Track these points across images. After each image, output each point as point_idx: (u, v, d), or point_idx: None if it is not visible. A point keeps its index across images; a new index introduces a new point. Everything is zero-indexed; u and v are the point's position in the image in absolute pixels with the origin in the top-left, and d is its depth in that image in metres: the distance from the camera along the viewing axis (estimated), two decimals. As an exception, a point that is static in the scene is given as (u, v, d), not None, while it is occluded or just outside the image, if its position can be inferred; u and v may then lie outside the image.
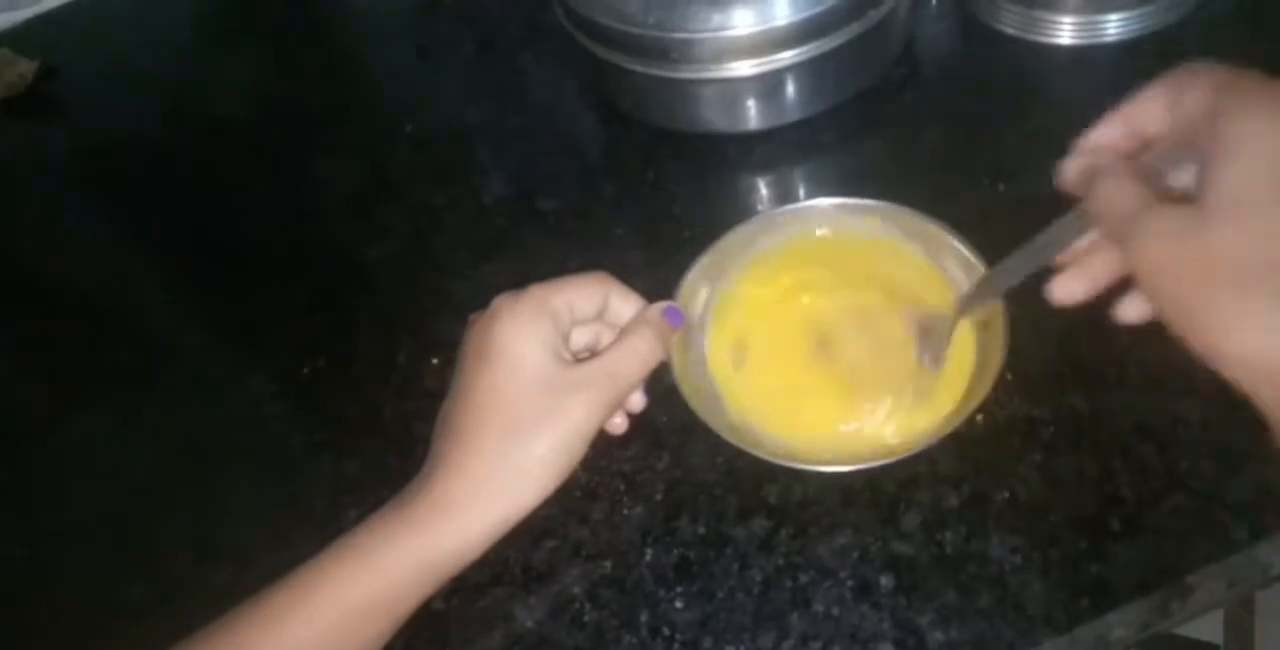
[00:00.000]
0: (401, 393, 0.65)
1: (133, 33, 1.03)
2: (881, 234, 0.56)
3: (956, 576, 0.51)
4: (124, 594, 0.60)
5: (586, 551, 0.56)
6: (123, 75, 0.98)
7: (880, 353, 0.55)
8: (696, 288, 0.55)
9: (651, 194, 0.73)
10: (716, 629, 0.52)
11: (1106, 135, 0.40)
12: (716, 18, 0.64)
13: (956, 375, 0.53)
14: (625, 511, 0.57)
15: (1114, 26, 0.71)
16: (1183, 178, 0.37)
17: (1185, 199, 0.35)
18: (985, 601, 0.50)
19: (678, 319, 0.50)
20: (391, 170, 0.82)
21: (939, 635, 0.50)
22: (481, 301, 0.47)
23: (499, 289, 0.47)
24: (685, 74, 0.67)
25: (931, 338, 0.53)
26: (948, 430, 0.49)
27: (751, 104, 0.70)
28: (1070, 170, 0.40)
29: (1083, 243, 0.41)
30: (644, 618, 0.53)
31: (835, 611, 0.51)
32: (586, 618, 0.53)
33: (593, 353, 0.49)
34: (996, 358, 0.49)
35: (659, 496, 0.57)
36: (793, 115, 0.71)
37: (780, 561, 0.53)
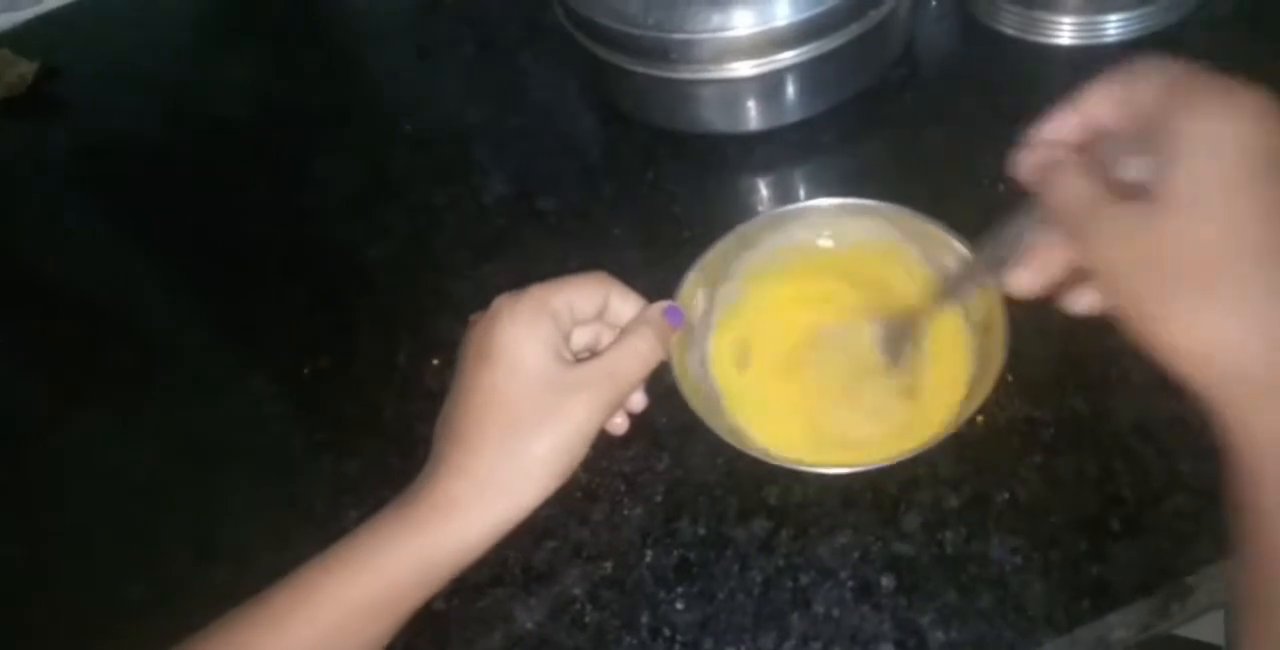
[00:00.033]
0: (402, 393, 0.65)
1: (133, 33, 1.03)
2: (881, 235, 0.56)
3: (957, 577, 0.51)
4: (124, 594, 0.60)
5: (587, 552, 0.56)
6: (123, 75, 0.98)
7: (870, 359, 0.55)
8: (696, 288, 0.55)
9: (651, 194, 0.73)
10: (717, 630, 0.52)
11: (1059, 128, 0.40)
12: (716, 18, 0.64)
13: (955, 377, 0.53)
14: (626, 512, 0.57)
15: (1114, 27, 0.71)
16: (1132, 171, 0.37)
17: (1135, 191, 0.36)
18: (986, 602, 0.50)
19: (678, 319, 0.50)
20: (391, 170, 0.82)
21: (940, 636, 0.50)
22: (482, 302, 0.47)
23: (499, 289, 0.47)
24: (685, 74, 0.67)
25: (895, 337, 0.53)
26: (949, 432, 0.49)
27: (751, 104, 0.70)
28: (1024, 162, 0.41)
29: (1038, 236, 0.41)
30: (644, 618, 0.53)
31: (836, 612, 0.51)
32: (587, 618, 0.53)
33: (593, 353, 0.49)
34: (997, 359, 0.49)
35: (659, 497, 0.57)
36: (793, 116, 0.71)
37: (781, 562, 0.53)
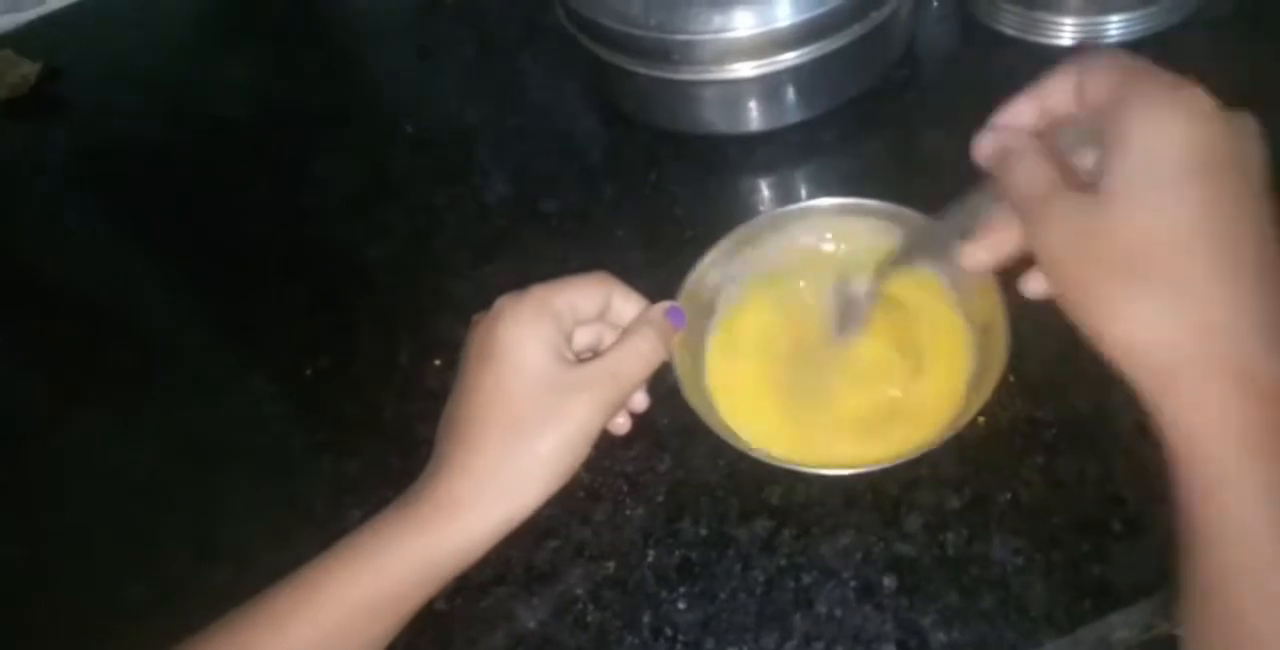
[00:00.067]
0: (403, 393, 0.65)
1: (134, 33, 1.03)
2: (882, 235, 0.56)
3: (959, 578, 0.51)
4: (124, 594, 0.60)
5: (589, 552, 0.56)
6: (124, 76, 0.98)
7: (871, 358, 0.55)
8: (698, 288, 0.55)
9: (653, 195, 0.73)
10: (719, 630, 0.52)
11: (1018, 114, 0.41)
12: (718, 19, 0.64)
13: (956, 377, 0.53)
14: (628, 512, 0.57)
15: (1115, 28, 0.71)
16: (1087, 159, 0.39)
17: (1085, 179, 0.37)
18: (988, 603, 0.50)
19: (680, 319, 0.50)
20: (392, 170, 0.82)
21: (941, 636, 0.49)
22: (482, 302, 0.47)
23: (500, 290, 0.47)
24: (687, 75, 0.67)
25: (850, 308, 0.53)
26: (950, 433, 0.49)
27: (753, 105, 0.70)
28: (984, 146, 0.42)
29: (994, 214, 0.42)
30: (646, 618, 0.53)
31: (838, 612, 0.51)
32: (589, 618, 0.53)
33: (595, 353, 0.49)
34: (999, 359, 0.49)
35: (661, 497, 0.57)
36: (794, 116, 0.71)
37: (783, 562, 0.53)
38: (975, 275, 0.52)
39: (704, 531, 0.55)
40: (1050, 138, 0.40)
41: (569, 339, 0.47)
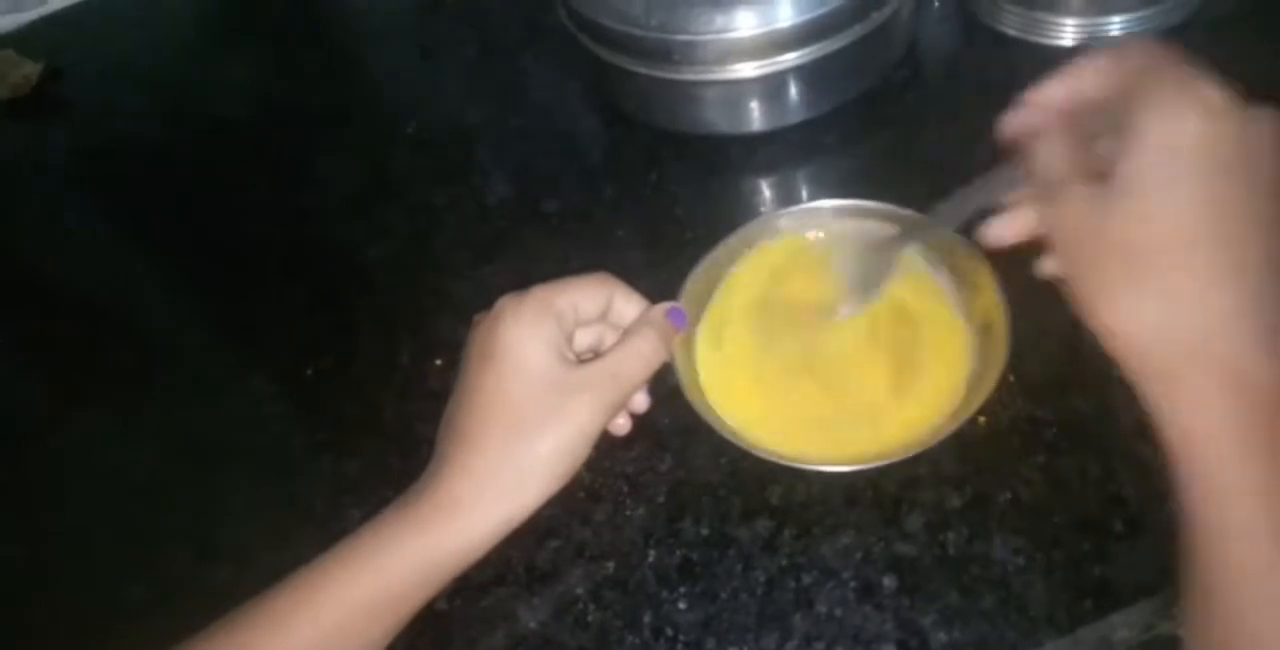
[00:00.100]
0: (403, 393, 0.65)
1: (135, 33, 1.03)
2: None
3: (959, 577, 0.51)
4: (124, 594, 0.60)
5: (590, 552, 0.56)
6: (125, 76, 0.98)
7: (868, 356, 0.55)
8: (699, 289, 0.55)
9: (654, 195, 0.73)
10: (720, 629, 0.52)
11: (1050, 93, 0.41)
12: (719, 20, 0.64)
13: (956, 376, 0.53)
14: (628, 512, 0.57)
15: (1116, 28, 0.71)
16: (1104, 144, 0.38)
17: (1104, 166, 0.37)
18: (988, 602, 0.50)
19: (680, 320, 0.49)
20: (392, 170, 0.82)
21: (942, 636, 0.49)
22: (483, 302, 0.47)
23: (500, 290, 0.47)
24: (688, 76, 0.67)
25: (868, 271, 0.53)
26: (950, 431, 0.49)
27: (754, 106, 0.70)
28: (1012, 122, 0.42)
29: (1019, 193, 0.42)
30: (647, 618, 0.53)
31: (838, 612, 0.51)
32: (590, 618, 0.53)
33: (596, 353, 0.49)
34: (999, 359, 0.49)
35: (662, 497, 0.57)
36: (795, 117, 0.71)
37: (783, 562, 0.53)
38: (975, 273, 0.52)
39: (705, 531, 0.55)
40: (1079, 121, 0.40)
41: (570, 339, 0.47)
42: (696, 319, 0.55)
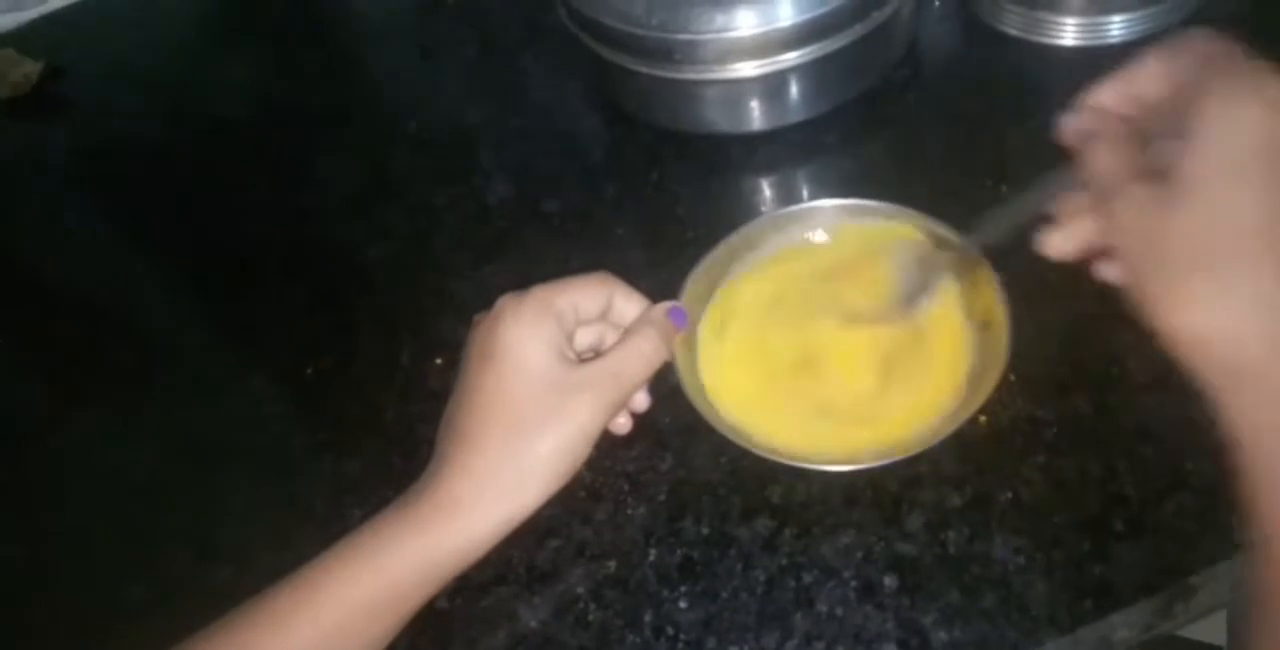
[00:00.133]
0: (404, 394, 0.65)
1: (136, 33, 1.03)
2: (884, 235, 0.56)
3: (960, 577, 0.51)
4: (124, 594, 0.60)
5: (590, 551, 0.56)
6: (125, 75, 0.98)
7: (869, 355, 0.55)
8: (700, 288, 0.55)
9: (655, 195, 0.73)
10: (720, 629, 0.52)
11: (1108, 95, 0.40)
12: (720, 19, 0.64)
13: (956, 376, 0.53)
14: (629, 511, 0.57)
15: (1117, 28, 0.71)
16: (1163, 144, 0.38)
17: (1163, 167, 0.36)
18: (989, 602, 0.50)
19: (681, 319, 0.49)
20: (392, 170, 0.82)
21: (943, 635, 0.49)
22: (483, 302, 0.47)
23: (501, 290, 0.47)
24: (689, 75, 0.67)
25: (918, 281, 0.53)
26: (951, 431, 0.49)
27: (755, 105, 0.70)
28: (1070, 126, 0.41)
29: (1076, 200, 0.41)
30: (648, 617, 0.53)
31: (839, 611, 0.51)
32: (590, 617, 0.53)
33: (597, 353, 0.49)
34: (999, 358, 0.49)
35: (663, 497, 0.57)
36: (796, 116, 0.71)
37: (784, 561, 0.53)
38: (975, 272, 0.52)
39: (705, 530, 0.55)
40: (1139, 123, 0.39)
41: (571, 339, 0.47)
42: (697, 318, 0.55)
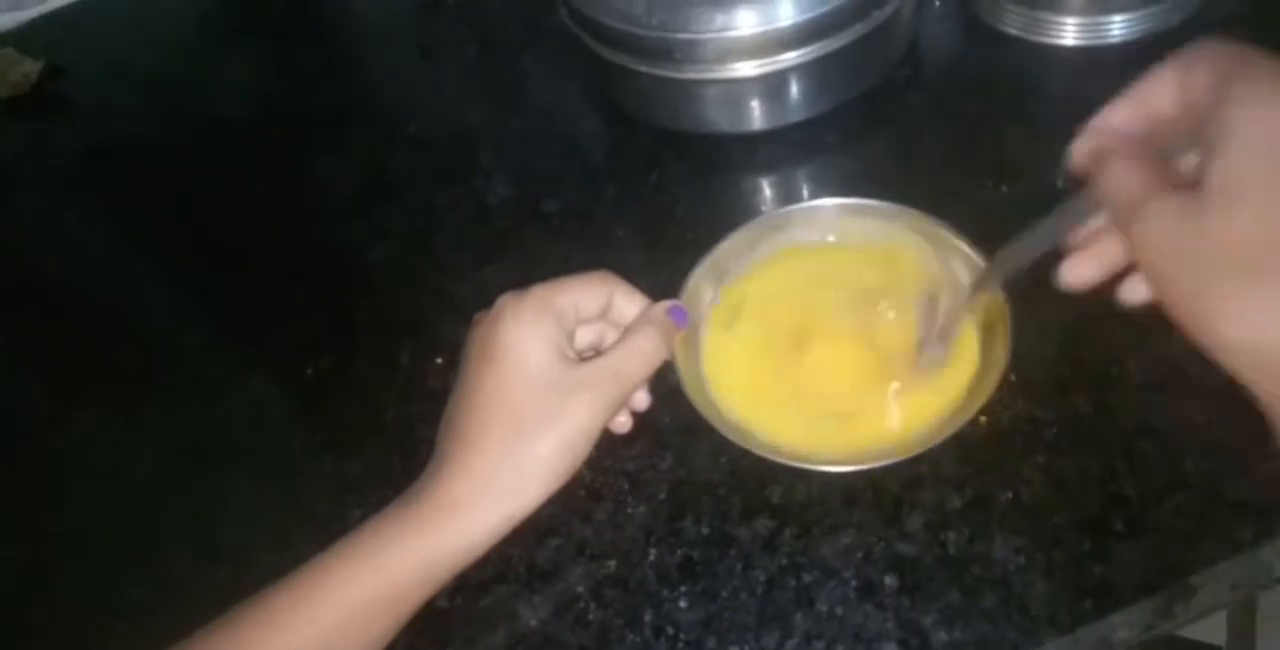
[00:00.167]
0: (404, 394, 0.65)
1: (136, 32, 1.03)
2: (885, 235, 0.56)
3: (960, 577, 0.51)
4: (124, 594, 0.60)
5: (590, 551, 0.56)
6: (125, 75, 0.98)
7: (870, 355, 0.55)
8: (700, 288, 0.55)
9: (655, 195, 0.73)
10: (720, 628, 0.52)
11: (1117, 116, 0.39)
12: (720, 18, 0.64)
13: (958, 376, 0.53)
14: (629, 511, 0.57)
15: (1117, 28, 0.71)
16: (1193, 162, 0.36)
17: (1187, 179, 0.35)
18: (989, 602, 0.50)
19: (682, 318, 0.49)
20: (392, 171, 0.82)
21: (943, 635, 0.49)
22: (483, 302, 0.47)
23: (501, 290, 0.47)
24: (689, 74, 0.67)
25: (940, 322, 0.52)
26: (951, 431, 0.49)
27: (755, 104, 0.70)
28: (1080, 151, 0.40)
29: (1091, 226, 0.40)
30: (648, 617, 0.53)
31: (839, 611, 0.51)
32: (590, 617, 0.53)
33: (597, 352, 0.49)
34: (1000, 359, 0.49)
35: (663, 496, 0.57)
36: (796, 116, 0.71)
37: (784, 561, 0.53)
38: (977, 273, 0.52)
39: (705, 530, 0.55)
40: (1155, 141, 0.38)
41: (571, 338, 0.47)
42: (698, 317, 0.55)
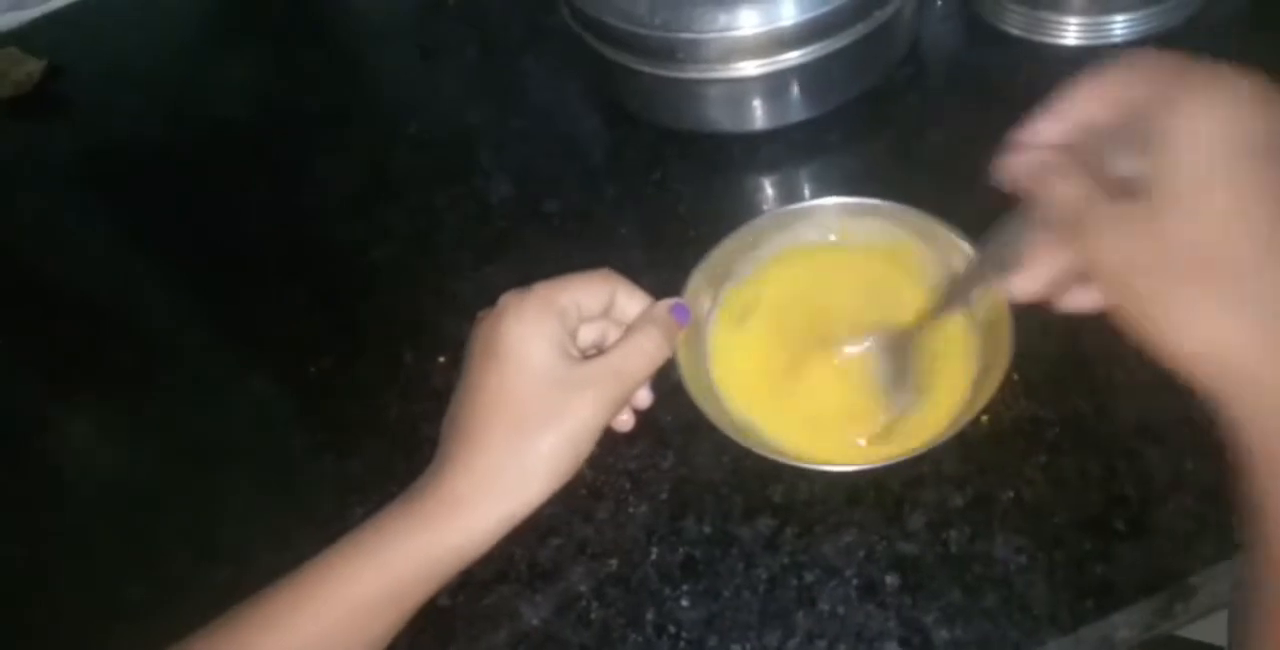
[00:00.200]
0: (406, 393, 0.65)
1: (137, 32, 1.03)
2: (887, 234, 0.56)
3: (962, 576, 0.51)
4: (124, 594, 0.60)
5: (592, 550, 0.55)
6: (125, 75, 0.98)
7: (871, 355, 0.55)
8: (701, 287, 0.55)
9: (656, 194, 0.73)
10: (722, 627, 0.52)
11: (1044, 130, 0.39)
12: (723, 18, 0.64)
13: (959, 376, 0.53)
14: (631, 510, 0.57)
15: (1119, 27, 0.71)
16: (1122, 165, 0.37)
17: (1127, 187, 0.35)
18: (990, 601, 0.50)
19: (684, 316, 0.49)
20: (392, 171, 0.82)
21: (944, 634, 0.49)
22: (485, 302, 0.47)
23: (502, 290, 0.47)
24: (692, 74, 0.67)
25: (895, 360, 0.52)
26: (953, 431, 0.49)
27: (757, 104, 0.70)
28: (1012, 167, 0.40)
29: (1035, 241, 0.40)
30: (650, 616, 0.53)
31: (841, 610, 0.51)
32: (592, 616, 0.53)
33: (599, 350, 0.49)
34: (1002, 359, 0.49)
35: (664, 495, 0.57)
36: (798, 115, 0.71)
37: (785, 560, 0.53)
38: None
39: (707, 529, 0.55)
40: (1086, 151, 0.38)
41: (573, 336, 0.47)
42: (700, 316, 0.55)
